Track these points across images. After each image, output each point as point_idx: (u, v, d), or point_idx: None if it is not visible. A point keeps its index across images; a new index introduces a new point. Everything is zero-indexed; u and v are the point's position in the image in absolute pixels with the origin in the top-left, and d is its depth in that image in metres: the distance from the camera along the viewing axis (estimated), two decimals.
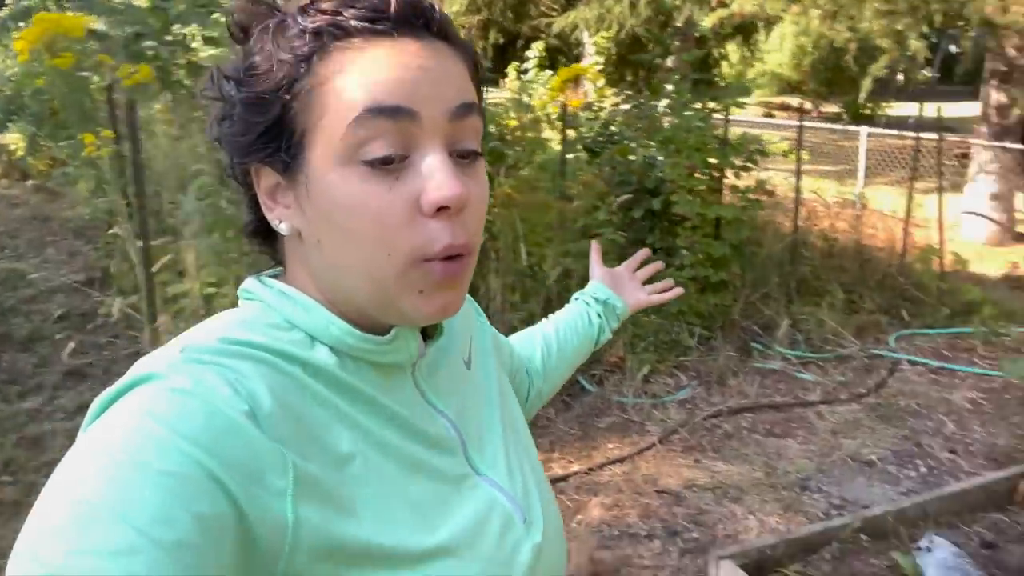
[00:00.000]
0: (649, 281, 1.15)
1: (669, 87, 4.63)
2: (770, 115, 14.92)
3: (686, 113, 4.39)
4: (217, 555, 0.42)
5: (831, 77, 14.91)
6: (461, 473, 0.61)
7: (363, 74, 0.52)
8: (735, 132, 4.57)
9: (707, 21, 5.76)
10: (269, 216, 0.58)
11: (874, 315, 4.60)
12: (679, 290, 1.14)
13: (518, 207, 3.64)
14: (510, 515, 0.62)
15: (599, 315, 1.06)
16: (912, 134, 5.55)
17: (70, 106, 4.04)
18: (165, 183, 3.45)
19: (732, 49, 15.94)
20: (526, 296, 3.71)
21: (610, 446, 3.27)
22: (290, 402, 0.51)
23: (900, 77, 14.81)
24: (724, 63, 16.58)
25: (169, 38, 4.95)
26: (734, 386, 3.83)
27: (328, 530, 0.48)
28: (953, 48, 18.44)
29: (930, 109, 5.57)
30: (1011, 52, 6.66)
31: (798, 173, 4.84)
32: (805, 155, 6.10)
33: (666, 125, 4.48)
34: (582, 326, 1.04)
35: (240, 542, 0.44)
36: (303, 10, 0.54)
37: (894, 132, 6.59)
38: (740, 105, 4.44)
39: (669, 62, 6.54)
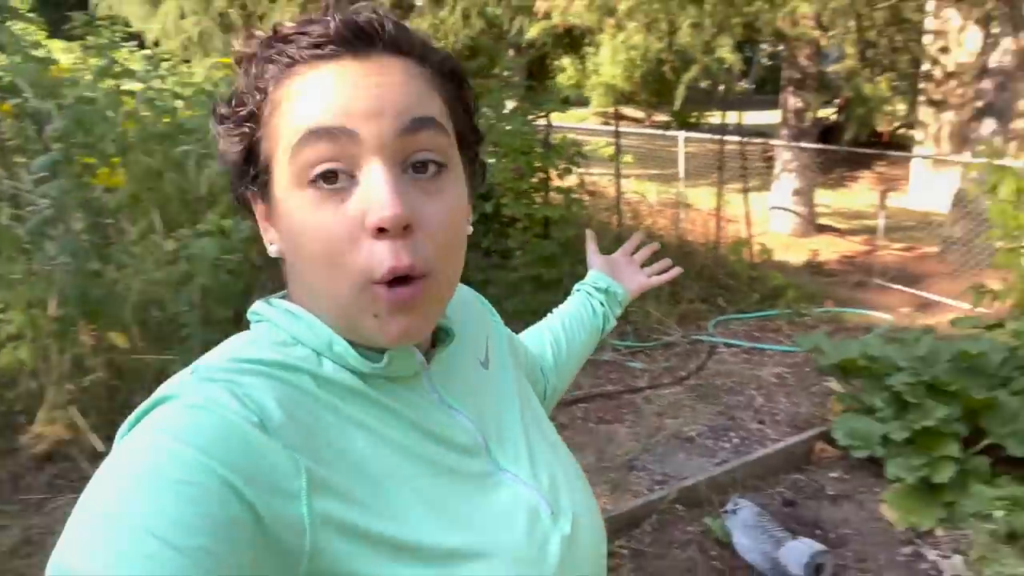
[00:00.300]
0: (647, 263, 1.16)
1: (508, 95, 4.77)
2: (607, 123, 15.67)
3: (512, 119, 4.53)
4: (236, 559, 0.43)
5: (659, 88, 15.88)
6: (483, 471, 0.62)
7: (305, 98, 0.54)
8: (558, 137, 4.78)
9: (532, 32, 6.00)
10: (264, 239, 0.61)
11: (695, 304, 4.95)
12: (678, 269, 1.15)
13: None
14: (536, 509, 0.62)
15: (602, 304, 1.07)
16: (717, 137, 6.05)
17: None
18: None
19: (568, 62, 16.62)
20: None
21: None
22: (300, 411, 0.52)
23: (722, 88, 16.03)
24: (562, 74, 17.26)
25: None
26: None
27: (346, 530, 0.50)
28: (765, 60, 20.29)
29: (740, 117, 6.09)
30: (803, 62, 7.42)
31: (617, 175, 5.14)
32: (630, 159, 6.48)
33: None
34: (587, 318, 1.05)
35: (258, 546, 0.45)
36: (266, 43, 0.57)
37: (708, 137, 7.15)
38: (561, 110, 4.65)
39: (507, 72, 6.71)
